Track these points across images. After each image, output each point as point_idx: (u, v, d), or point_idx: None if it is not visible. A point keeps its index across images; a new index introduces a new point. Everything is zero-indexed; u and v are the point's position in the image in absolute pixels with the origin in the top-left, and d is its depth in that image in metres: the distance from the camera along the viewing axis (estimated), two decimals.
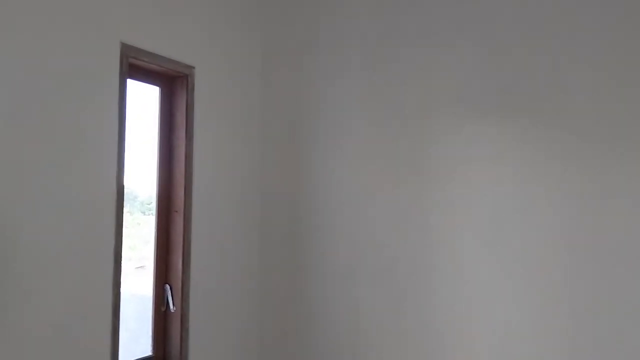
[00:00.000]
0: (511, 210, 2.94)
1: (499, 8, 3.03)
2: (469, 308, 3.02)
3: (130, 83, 2.75)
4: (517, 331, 2.91)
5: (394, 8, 3.29)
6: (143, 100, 3.02)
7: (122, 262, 2.61)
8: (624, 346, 2.70)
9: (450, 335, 3.05)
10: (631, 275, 2.69)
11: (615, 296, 2.71)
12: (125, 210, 2.64)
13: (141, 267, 3.03)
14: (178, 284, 3.01)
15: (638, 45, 2.74)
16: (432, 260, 3.12)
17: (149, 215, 3.05)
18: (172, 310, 3.01)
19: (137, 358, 2.91)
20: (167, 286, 3.02)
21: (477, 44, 3.07)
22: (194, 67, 3.09)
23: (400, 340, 3.18)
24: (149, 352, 2.99)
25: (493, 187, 2.99)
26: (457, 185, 3.07)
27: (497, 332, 2.95)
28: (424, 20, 3.21)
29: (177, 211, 3.05)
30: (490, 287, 2.98)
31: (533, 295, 2.88)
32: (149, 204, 3.06)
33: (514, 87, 2.97)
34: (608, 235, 2.73)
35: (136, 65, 2.81)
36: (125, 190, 2.63)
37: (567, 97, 2.86)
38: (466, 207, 3.05)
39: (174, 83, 3.09)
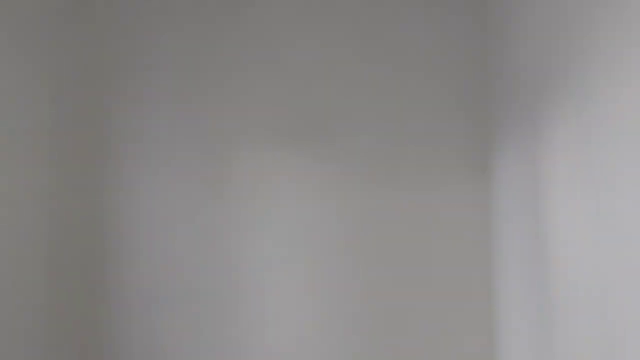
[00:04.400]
0: (309, 226, 3.23)
1: (303, 45, 3.34)
2: (272, 322, 3.19)
3: None
4: (312, 336, 3.16)
5: (208, 37, 3.39)
6: None
7: None
8: (398, 331, 3.11)
9: (252, 353, 3.19)
10: (403, 275, 3.20)
11: (393, 293, 3.19)
12: None
13: None
14: None
15: (406, 82, 3.21)
16: (234, 280, 3.24)
17: None
18: None
19: None
20: None
21: (278, 77, 3.32)
22: None
23: None
24: None
25: (293, 207, 3.24)
26: (259, 206, 3.26)
27: (299, 339, 3.17)
28: (235, 50, 3.37)
29: None
30: (290, 304, 3.20)
31: (326, 301, 3.19)
32: None
33: (312, 116, 3.28)
34: (388, 244, 3.24)
35: None
36: None
37: (356, 125, 3.26)
38: (268, 226, 3.25)
39: None
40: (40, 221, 3.34)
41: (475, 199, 3.18)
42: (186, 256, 3.30)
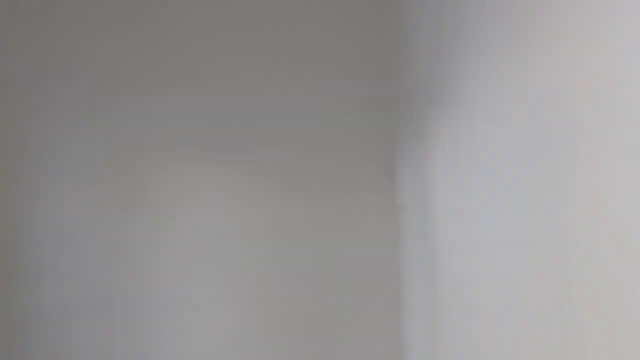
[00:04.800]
0: (222, 235, 3.23)
1: (218, 55, 3.35)
2: (188, 333, 3.20)
3: None
4: (227, 344, 3.19)
5: (124, 45, 3.37)
6: None
7: None
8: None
9: None
10: (316, 281, 3.21)
11: (306, 299, 3.22)
12: None
13: None
14: None
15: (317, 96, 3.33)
16: (149, 292, 3.23)
17: None
18: None
19: None
20: None
21: (192, 86, 3.34)
22: None
23: None
24: None
25: (206, 216, 3.26)
26: (174, 216, 3.26)
27: (214, 347, 3.20)
28: (151, 61, 3.37)
29: None
30: (205, 313, 3.21)
31: (241, 309, 3.18)
32: None
33: (224, 128, 3.31)
34: (301, 251, 3.22)
35: None
36: None
37: (268, 135, 3.31)
38: (182, 235, 3.24)
39: None
40: None
41: (384, 205, 3.26)
42: (100, 269, 3.26)
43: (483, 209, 1.83)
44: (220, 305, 3.24)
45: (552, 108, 1.46)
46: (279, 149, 3.32)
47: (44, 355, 3.26)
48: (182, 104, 3.36)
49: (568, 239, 1.39)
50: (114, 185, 3.31)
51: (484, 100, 1.84)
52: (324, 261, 3.26)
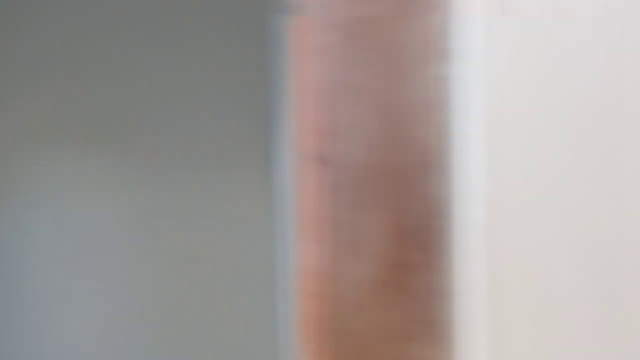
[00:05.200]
0: (91, 227, 3.16)
1: (92, 43, 3.28)
2: (52, 329, 3.13)
3: None
4: (93, 339, 3.14)
5: None
6: None
7: None
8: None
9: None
10: (189, 276, 3.16)
11: (179, 294, 3.15)
12: None
13: None
14: None
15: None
16: (18, 291, 3.16)
17: None
18: None
19: None
20: None
21: (64, 73, 3.25)
22: None
23: None
24: None
25: (75, 208, 3.18)
26: (41, 208, 3.19)
27: (81, 341, 3.14)
28: (18, 47, 3.27)
29: None
30: (73, 308, 3.15)
31: (109, 303, 3.15)
32: None
33: (93, 117, 3.23)
34: (174, 244, 3.18)
35: None
36: None
37: (142, 125, 3.24)
38: (48, 227, 3.17)
39: None
40: None
41: (258, 198, 3.24)
42: None
43: None
44: (92, 299, 3.16)
45: None
46: (154, 139, 3.22)
47: None
48: (52, 93, 3.25)
49: None
50: None
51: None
52: (199, 251, 3.17)
